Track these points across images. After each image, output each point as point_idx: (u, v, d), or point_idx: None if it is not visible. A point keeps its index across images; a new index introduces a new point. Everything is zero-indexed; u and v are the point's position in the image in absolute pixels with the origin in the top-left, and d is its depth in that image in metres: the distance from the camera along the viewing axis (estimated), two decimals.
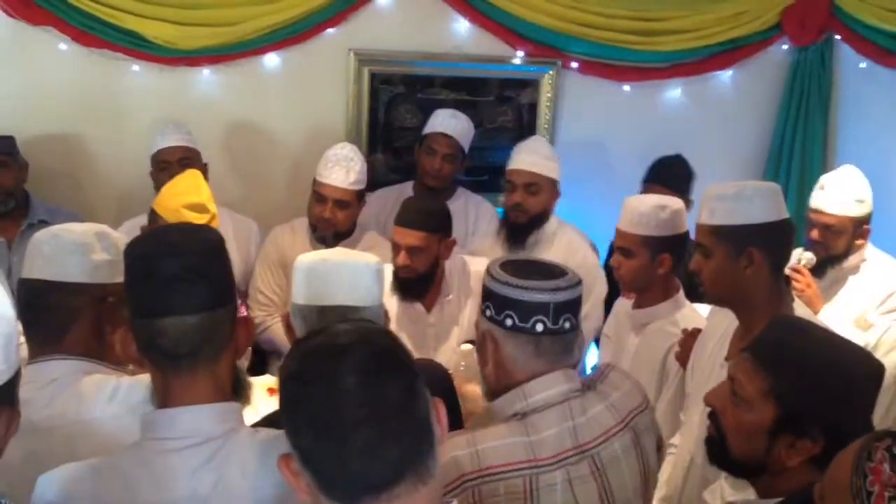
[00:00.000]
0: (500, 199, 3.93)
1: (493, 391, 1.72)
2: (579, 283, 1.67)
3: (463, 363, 2.82)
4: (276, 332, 3.30)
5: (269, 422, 1.69)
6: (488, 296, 1.67)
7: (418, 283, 2.95)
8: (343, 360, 1.09)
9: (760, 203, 2.19)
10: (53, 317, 1.71)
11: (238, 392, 1.45)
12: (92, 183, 3.86)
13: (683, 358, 2.57)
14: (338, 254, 1.92)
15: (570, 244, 3.37)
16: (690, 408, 2.41)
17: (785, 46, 4.31)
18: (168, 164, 3.37)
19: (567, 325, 1.64)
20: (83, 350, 1.75)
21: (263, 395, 2.50)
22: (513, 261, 1.73)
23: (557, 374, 1.66)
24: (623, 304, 3.00)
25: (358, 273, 1.85)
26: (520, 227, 3.35)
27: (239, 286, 3.27)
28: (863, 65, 4.31)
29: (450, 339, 3.03)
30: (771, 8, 4.18)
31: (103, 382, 1.70)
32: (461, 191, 3.84)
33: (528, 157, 3.34)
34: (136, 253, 1.39)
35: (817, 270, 3.22)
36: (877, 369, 1.59)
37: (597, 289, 3.35)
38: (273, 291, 3.42)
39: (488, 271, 1.68)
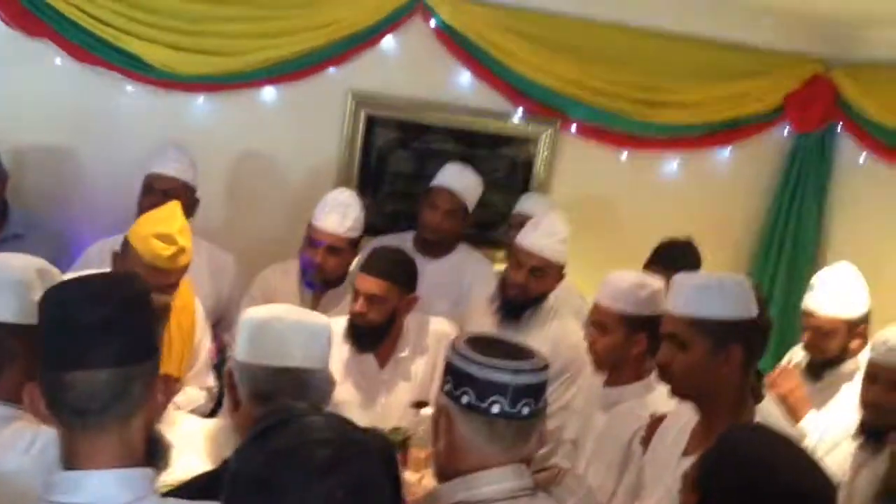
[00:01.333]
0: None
1: (442, 472, 1.65)
2: (545, 367, 1.60)
3: (423, 427, 2.75)
4: None
5: (190, 489, 1.59)
6: (448, 370, 1.61)
7: (371, 335, 2.88)
8: (321, 481, 1.03)
9: (745, 297, 2.12)
10: None
11: (155, 457, 1.37)
12: (79, 198, 3.80)
13: (647, 444, 2.49)
14: (291, 312, 1.86)
15: (563, 327, 3.22)
16: (645, 500, 2.32)
17: (786, 131, 4.28)
18: (151, 189, 3.28)
19: (526, 410, 1.56)
20: (14, 395, 1.65)
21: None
22: (480, 338, 1.65)
23: (506, 470, 1.58)
24: (593, 379, 2.93)
25: (316, 334, 1.79)
26: (516, 305, 3.21)
27: (209, 319, 3.21)
28: (861, 160, 4.17)
29: (400, 395, 2.96)
30: (776, 91, 4.16)
31: (22, 432, 1.62)
32: (462, 246, 3.73)
33: (543, 241, 3.16)
34: (53, 299, 1.32)
35: (814, 374, 3.10)
36: (819, 489, 1.50)
37: (586, 373, 3.13)
38: None
39: (453, 345, 1.62)
